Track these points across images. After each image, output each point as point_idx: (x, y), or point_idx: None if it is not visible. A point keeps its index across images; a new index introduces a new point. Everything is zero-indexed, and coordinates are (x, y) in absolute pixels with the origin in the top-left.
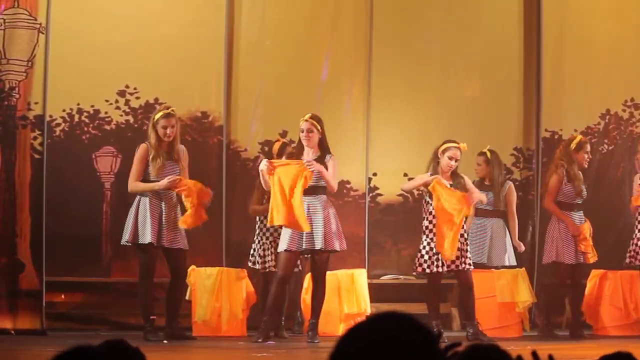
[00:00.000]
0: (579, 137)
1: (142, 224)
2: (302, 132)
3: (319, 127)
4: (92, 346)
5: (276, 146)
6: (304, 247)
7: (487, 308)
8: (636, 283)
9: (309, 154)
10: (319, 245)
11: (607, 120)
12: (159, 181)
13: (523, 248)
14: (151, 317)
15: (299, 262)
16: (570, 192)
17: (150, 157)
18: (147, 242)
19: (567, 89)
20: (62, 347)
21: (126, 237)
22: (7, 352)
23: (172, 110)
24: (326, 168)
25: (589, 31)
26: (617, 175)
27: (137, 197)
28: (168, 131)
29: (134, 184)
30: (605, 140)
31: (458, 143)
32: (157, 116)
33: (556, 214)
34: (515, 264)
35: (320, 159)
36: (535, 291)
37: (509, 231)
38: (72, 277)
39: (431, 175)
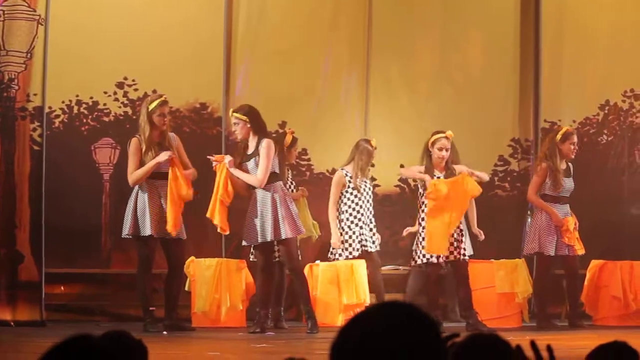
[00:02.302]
0: (565, 128)
1: (141, 217)
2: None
3: (244, 117)
4: (91, 335)
5: (288, 138)
6: (259, 239)
7: (486, 299)
8: (636, 273)
9: (250, 145)
10: (269, 237)
11: (606, 111)
12: (153, 172)
13: (483, 237)
14: (150, 309)
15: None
16: (553, 185)
17: (143, 149)
18: (147, 235)
19: (565, 79)
20: (62, 339)
21: (126, 230)
22: (6, 343)
23: (165, 97)
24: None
25: (589, 21)
26: (616, 167)
27: (135, 191)
28: (165, 119)
29: (132, 175)
30: (605, 131)
31: (444, 132)
32: (153, 105)
33: (539, 205)
34: (472, 253)
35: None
36: (534, 282)
37: (468, 220)
38: (72, 268)
39: (426, 167)
